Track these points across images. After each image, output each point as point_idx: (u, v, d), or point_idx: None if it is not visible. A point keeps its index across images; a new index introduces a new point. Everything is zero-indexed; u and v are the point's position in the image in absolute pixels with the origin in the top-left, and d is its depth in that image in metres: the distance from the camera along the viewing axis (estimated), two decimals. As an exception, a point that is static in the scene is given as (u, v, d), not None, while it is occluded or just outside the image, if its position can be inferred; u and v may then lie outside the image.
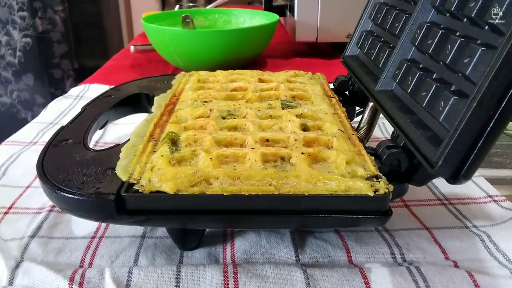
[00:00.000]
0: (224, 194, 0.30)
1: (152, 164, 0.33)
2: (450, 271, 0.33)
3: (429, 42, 0.34)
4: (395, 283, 0.32)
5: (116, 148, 0.37)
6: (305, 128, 0.39)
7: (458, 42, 0.30)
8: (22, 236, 0.38)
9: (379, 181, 0.31)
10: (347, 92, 0.53)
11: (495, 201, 0.43)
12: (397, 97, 0.38)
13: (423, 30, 0.36)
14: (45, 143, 0.39)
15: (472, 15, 0.29)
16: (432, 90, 0.32)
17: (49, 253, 0.36)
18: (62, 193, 0.31)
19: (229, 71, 0.55)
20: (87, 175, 0.33)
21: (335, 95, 0.48)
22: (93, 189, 0.31)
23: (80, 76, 1.60)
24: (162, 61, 0.92)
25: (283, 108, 0.43)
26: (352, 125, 0.42)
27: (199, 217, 0.31)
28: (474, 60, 0.28)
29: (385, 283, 0.32)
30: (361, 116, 0.47)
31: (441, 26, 0.34)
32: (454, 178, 0.29)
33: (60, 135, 0.40)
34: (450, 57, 0.31)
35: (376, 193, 0.30)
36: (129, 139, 0.38)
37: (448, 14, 0.34)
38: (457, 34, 0.32)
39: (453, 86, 0.31)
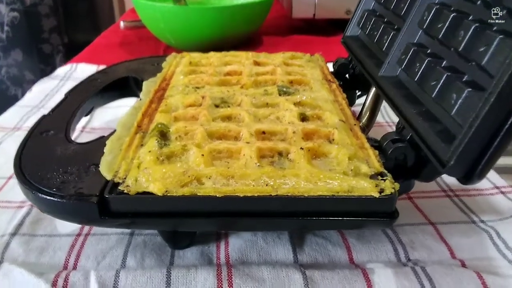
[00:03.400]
0: (217, 195, 0.27)
1: (139, 160, 0.30)
2: (457, 272, 0.31)
3: (439, 26, 0.31)
4: (399, 285, 0.30)
5: (100, 141, 0.34)
6: (304, 118, 0.36)
7: (472, 28, 0.28)
8: (2, 233, 0.36)
9: (384, 180, 0.29)
10: (347, 76, 0.50)
11: (502, 192, 0.41)
12: (403, 84, 0.36)
13: (432, 12, 0.33)
14: (27, 132, 0.36)
15: (489, -2, 0.27)
16: (442, 80, 0.29)
17: (31, 252, 0.34)
18: (40, 194, 0.28)
19: (223, 52, 0.52)
20: (68, 172, 0.30)
21: (335, 80, 0.45)
22: (74, 190, 0.28)
23: (70, 51, 1.56)
24: (153, 38, 0.89)
25: (280, 95, 0.40)
26: (354, 111, 0.39)
27: (189, 220, 0.29)
28: (491, 49, 0.25)
29: (389, 286, 0.30)
30: (363, 100, 0.45)
31: (452, 9, 0.31)
32: (467, 178, 0.26)
33: (40, 126, 0.37)
34: (463, 44, 0.28)
35: (382, 193, 0.28)
36: (115, 130, 0.35)
37: (460, -5, 0.31)
38: (470, 18, 0.29)
39: (466, 76, 0.28)
